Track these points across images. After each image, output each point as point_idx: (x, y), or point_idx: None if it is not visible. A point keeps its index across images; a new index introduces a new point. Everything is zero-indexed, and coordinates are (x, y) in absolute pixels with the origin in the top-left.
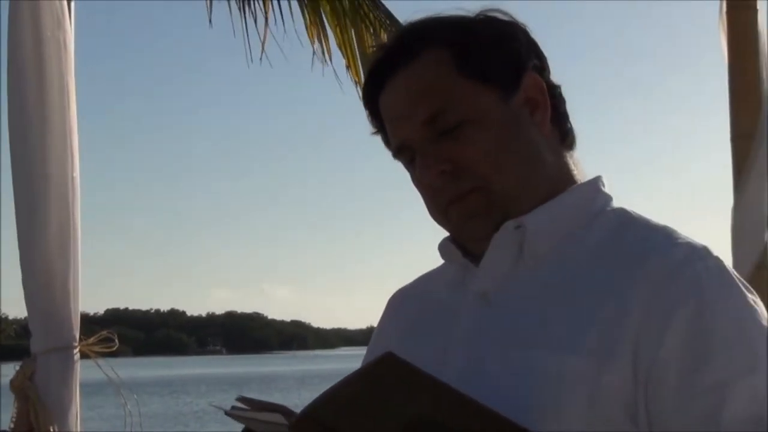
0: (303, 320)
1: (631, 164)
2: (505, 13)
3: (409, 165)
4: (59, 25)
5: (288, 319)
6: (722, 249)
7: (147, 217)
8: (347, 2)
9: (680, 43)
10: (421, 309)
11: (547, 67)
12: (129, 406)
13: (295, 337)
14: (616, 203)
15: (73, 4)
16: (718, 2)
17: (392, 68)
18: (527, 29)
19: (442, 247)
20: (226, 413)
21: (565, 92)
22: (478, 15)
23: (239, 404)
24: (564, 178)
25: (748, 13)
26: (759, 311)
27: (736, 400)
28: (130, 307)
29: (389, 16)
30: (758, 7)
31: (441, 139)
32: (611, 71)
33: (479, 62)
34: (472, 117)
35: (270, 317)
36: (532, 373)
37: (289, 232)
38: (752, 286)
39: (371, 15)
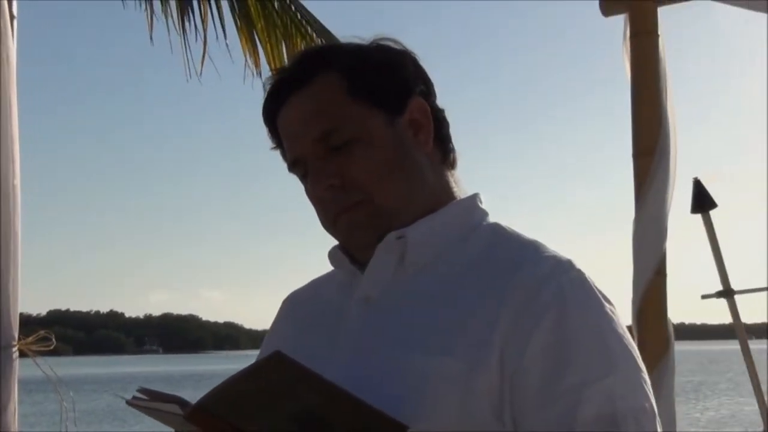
0: (236, 322)
1: (545, 178)
2: (397, 42)
3: (303, 179)
4: (2, 41)
5: (221, 320)
6: (626, 256)
7: (88, 223)
8: (278, 19)
9: (591, 62)
10: (311, 311)
11: (433, 92)
12: (66, 403)
13: (228, 337)
14: (494, 218)
15: (15, 22)
16: (623, 26)
17: (290, 89)
18: (416, 57)
19: (332, 255)
20: (127, 402)
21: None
22: (371, 43)
23: (139, 395)
24: (444, 194)
25: (650, 38)
26: (616, 320)
27: (592, 400)
28: (72, 309)
29: (323, 30)
30: (659, 32)
31: (331, 156)
32: (524, 87)
33: (370, 86)
34: (360, 136)
35: (204, 319)
36: (409, 373)
37: (224, 236)
38: (652, 289)
39: (307, 29)
